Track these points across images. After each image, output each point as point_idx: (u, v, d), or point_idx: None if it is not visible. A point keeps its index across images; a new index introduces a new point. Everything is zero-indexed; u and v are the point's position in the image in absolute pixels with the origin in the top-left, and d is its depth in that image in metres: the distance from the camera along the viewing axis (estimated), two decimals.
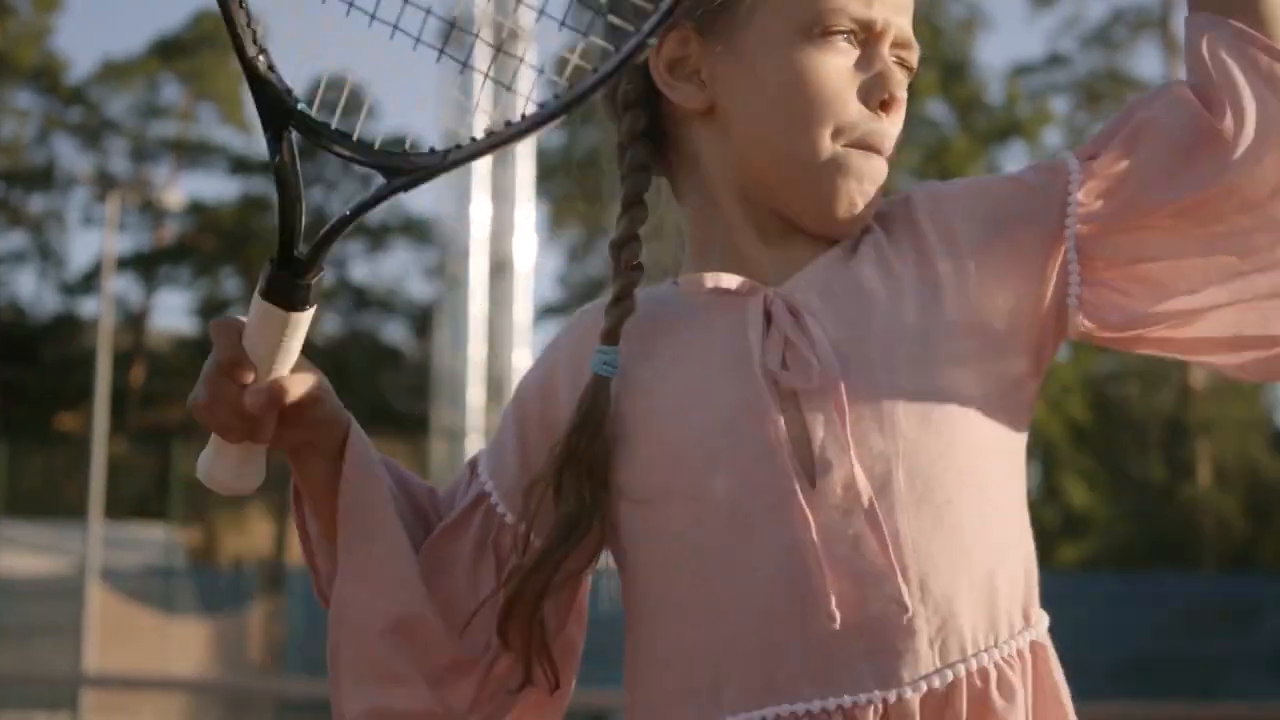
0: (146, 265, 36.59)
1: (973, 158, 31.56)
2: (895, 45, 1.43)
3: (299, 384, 1.41)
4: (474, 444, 23.98)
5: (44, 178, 36.60)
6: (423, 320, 35.30)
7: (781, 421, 1.35)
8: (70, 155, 37.44)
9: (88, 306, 35.84)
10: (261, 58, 1.36)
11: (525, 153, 24.69)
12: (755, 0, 1.41)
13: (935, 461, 1.36)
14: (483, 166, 24.04)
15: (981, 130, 32.29)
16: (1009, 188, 1.45)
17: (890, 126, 1.42)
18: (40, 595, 19.90)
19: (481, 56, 1.44)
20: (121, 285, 36.36)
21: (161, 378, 35.46)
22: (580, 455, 1.40)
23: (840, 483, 1.34)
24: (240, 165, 37.47)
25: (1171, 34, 35.44)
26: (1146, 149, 1.38)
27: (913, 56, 1.45)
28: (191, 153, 37.54)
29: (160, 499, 26.50)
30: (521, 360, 24.92)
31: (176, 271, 37.06)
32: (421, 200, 76.92)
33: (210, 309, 36.56)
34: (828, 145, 1.39)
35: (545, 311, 37.92)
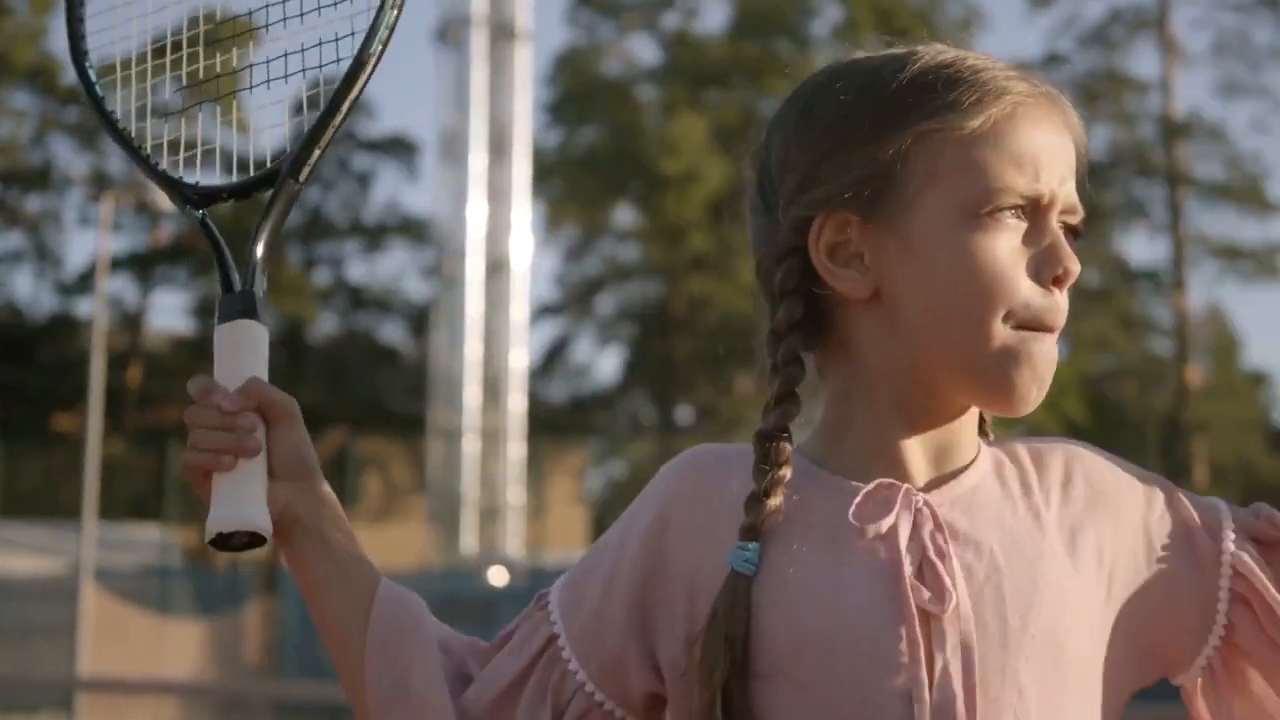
0: (143, 265, 36.58)
1: None
2: (1063, 213, 1.40)
3: (272, 389, 1.45)
4: (470, 444, 23.99)
5: (41, 178, 36.59)
6: (420, 320, 35.30)
7: (915, 636, 1.33)
8: (67, 155, 37.49)
9: (84, 307, 35.84)
10: (164, 163, 1.66)
11: (521, 153, 24.71)
12: (921, 183, 1.37)
13: None
14: (478, 166, 24.08)
15: None
16: (1173, 518, 1.45)
17: (1063, 300, 1.39)
18: (36, 596, 19.90)
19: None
20: (118, 285, 36.35)
21: (158, 378, 35.43)
22: (725, 651, 1.35)
23: None
24: (238, 166, 37.42)
25: (1169, 34, 35.46)
26: None
27: (1078, 219, 1.42)
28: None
29: (158, 500, 26.49)
30: (518, 360, 24.97)
31: (173, 272, 37.06)
32: (419, 200, 76.66)
33: (207, 309, 36.55)
34: (1001, 330, 1.36)
35: (541, 311, 37.95)
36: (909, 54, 1.43)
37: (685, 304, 35.30)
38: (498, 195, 24.28)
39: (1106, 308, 35.68)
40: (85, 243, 67.31)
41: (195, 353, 35.74)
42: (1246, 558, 1.41)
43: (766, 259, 1.44)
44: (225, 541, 1.41)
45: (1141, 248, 74.03)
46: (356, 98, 1.54)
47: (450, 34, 24.73)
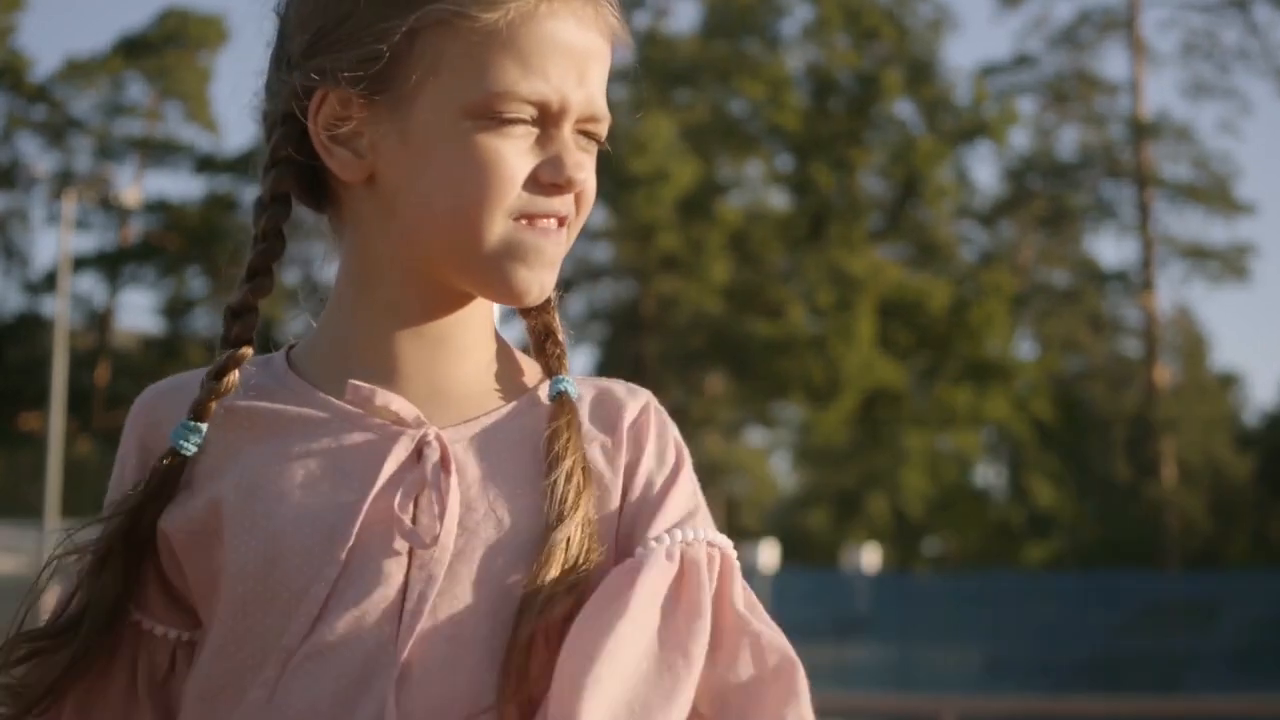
0: (111, 264, 36.42)
1: (939, 157, 31.63)
2: (580, 120, 1.33)
3: None
4: None
5: (7, 176, 36.41)
6: None
7: (386, 566, 1.28)
8: (34, 154, 37.28)
9: (51, 306, 35.66)
10: None
11: None
12: (424, 74, 1.29)
13: None
14: None
15: (948, 130, 32.36)
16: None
17: (565, 202, 1.34)
18: None
19: None
20: (86, 285, 36.20)
21: (127, 377, 35.28)
22: (138, 534, 1.36)
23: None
24: (205, 164, 37.33)
25: (1138, 34, 35.61)
26: None
27: (601, 128, 1.36)
28: (157, 151, 37.37)
29: None
30: None
31: (141, 271, 36.90)
32: None
33: (176, 308, 36.43)
34: (498, 226, 1.30)
35: (511, 311, 37.83)
36: None
37: (655, 304, 35.32)
38: None
39: (1075, 309, 35.82)
40: (53, 241, 66.97)
41: (164, 352, 35.60)
42: None
43: (269, 118, 1.37)
44: None
45: (1110, 249, 74.23)
46: None
47: None
